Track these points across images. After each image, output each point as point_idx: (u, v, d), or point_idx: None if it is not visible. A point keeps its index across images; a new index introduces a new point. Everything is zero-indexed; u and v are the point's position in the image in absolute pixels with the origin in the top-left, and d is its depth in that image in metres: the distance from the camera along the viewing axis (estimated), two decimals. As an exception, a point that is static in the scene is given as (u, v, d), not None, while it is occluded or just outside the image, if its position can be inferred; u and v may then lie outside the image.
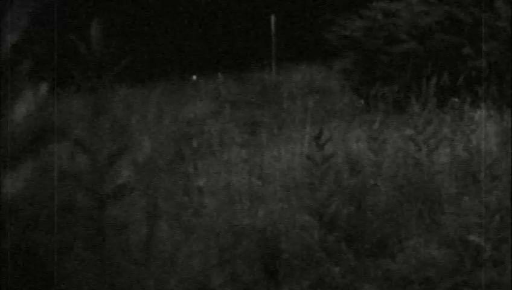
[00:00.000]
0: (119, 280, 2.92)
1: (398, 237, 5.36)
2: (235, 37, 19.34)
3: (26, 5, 2.77)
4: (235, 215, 5.46)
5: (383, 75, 12.52)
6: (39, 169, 2.79)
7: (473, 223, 5.17)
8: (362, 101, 9.90)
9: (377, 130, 6.50)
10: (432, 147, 6.45)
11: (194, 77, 13.91)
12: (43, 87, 2.83)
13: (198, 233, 4.80)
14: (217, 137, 7.33)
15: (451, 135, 6.96)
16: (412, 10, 13.18)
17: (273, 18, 17.63)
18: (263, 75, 16.34)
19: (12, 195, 2.70)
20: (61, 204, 2.89)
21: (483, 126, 7.27)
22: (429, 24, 12.89)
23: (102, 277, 2.88)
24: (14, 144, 2.73)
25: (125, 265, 2.96)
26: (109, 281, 2.89)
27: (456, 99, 7.76)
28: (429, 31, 12.87)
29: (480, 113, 7.69)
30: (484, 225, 5.02)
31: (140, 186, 3.13)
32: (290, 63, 16.74)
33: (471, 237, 4.99)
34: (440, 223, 5.46)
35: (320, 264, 4.90)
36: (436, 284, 4.72)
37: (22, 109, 2.75)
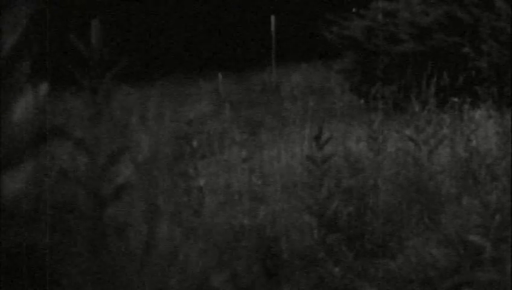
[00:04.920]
0: (119, 280, 2.92)
1: (398, 237, 5.36)
2: (235, 36, 19.34)
3: (26, 5, 2.76)
4: (235, 215, 5.46)
5: (383, 75, 12.52)
6: (39, 169, 2.79)
7: (473, 223, 5.17)
8: (362, 101, 9.90)
9: (377, 130, 6.50)
10: (431, 147, 6.45)
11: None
12: (43, 87, 2.83)
13: (198, 233, 4.80)
14: (217, 137, 7.33)
15: (451, 135, 6.96)
16: (412, 10, 13.17)
17: (273, 18, 17.63)
18: (263, 75, 16.34)
19: (12, 195, 2.70)
20: (61, 204, 2.89)
21: (483, 126, 7.28)
22: (429, 24, 12.89)
23: (102, 276, 2.88)
24: (14, 144, 2.72)
25: (125, 265, 2.95)
26: (109, 281, 2.89)
27: (456, 99, 7.76)
28: (429, 31, 12.87)
29: (480, 113, 7.69)
30: (484, 225, 5.02)
31: (140, 186, 3.13)
32: (290, 63, 16.73)
33: (471, 237, 4.99)
34: (440, 223, 5.45)
35: (320, 264, 4.89)
36: (436, 284, 4.72)
37: (22, 109, 2.75)
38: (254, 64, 16.85)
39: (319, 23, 14.21)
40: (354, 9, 13.62)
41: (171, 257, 3.26)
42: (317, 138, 5.26)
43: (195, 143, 5.98)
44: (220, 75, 13.04)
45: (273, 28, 17.66)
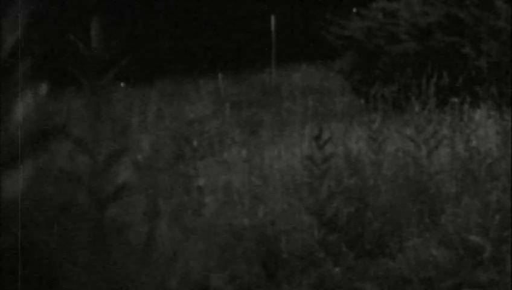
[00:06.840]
0: (118, 280, 2.92)
1: (398, 237, 5.36)
2: (235, 37, 19.34)
3: (26, 5, 2.77)
4: (235, 215, 5.46)
5: (383, 75, 12.53)
6: (39, 169, 2.79)
7: (473, 223, 5.17)
8: (362, 101, 9.91)
9: (377, 130, 6.51)
10: (431, 147, 6.45)
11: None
12: (43, 87, 2.83)
13: (198, 233, 4.80)
14: (217, 137, 7.33)
15: (451, 135, 6.97)
16: (412, 10, 13.18)
17: (273, 18, 17.63)
18: (263, 75, 16.35)
19: (12, 195, 2.70)
20: (61, 204, 2.89)
21: (483, 126, 7.28)
22: (429, 24, 12.90)
23: (102, 276, 2.88)
24: (14, 144, 2.72)
25: (125, 265, 2.96)
26: (109, 281, 2.89)
27: (456, 100, 7.77)
28: (429, 31, 12.87)
29: (480, 113, 7.69)
30: (484, 225, 5.02)
31: (140, 186, 3.13)
32: (290, 63, 16.74)
33: (471, 237, 4.99)
34: (440, 223, 5.45)
35: (320, 264, 4.90)
36: (436, 284, 4.72)
37: (21, 109, 2.75)
38: (254, 64, 16.86)
39: (319, 23, 14.22)
40: (354, 10, 13.63)
41: (171, 257, 3.26)
42: (317, 138, 5.26)
43: (195, 143, 5.98)
44: (220, 75, 13.05)
45: (273, 28, 17.66)
